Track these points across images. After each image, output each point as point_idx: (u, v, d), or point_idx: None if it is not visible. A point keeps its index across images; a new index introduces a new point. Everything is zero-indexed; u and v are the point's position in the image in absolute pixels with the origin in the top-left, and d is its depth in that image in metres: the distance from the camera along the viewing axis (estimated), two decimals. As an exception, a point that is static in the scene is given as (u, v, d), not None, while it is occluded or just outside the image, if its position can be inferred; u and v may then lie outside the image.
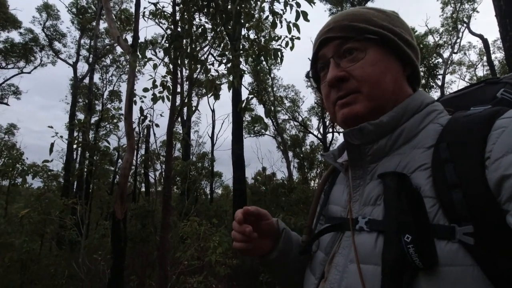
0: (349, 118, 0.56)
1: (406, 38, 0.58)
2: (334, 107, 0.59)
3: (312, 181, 15.82)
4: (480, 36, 13.19)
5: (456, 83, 18.37)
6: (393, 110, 0.53)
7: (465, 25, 15.10)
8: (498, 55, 16.12)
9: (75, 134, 11.28)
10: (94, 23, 15.44)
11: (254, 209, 0.65)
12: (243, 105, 2.88)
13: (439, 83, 15.13)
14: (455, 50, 16.51)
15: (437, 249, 0.41)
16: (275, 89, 17.84)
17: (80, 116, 16.52)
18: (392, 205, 0.46)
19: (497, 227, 0.38)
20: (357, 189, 0.56)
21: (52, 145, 3.37)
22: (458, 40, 16.17)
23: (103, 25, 16.06)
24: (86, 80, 15.60)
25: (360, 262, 0.48)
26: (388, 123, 0.53)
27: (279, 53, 3.30)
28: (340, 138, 18.88)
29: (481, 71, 17.95)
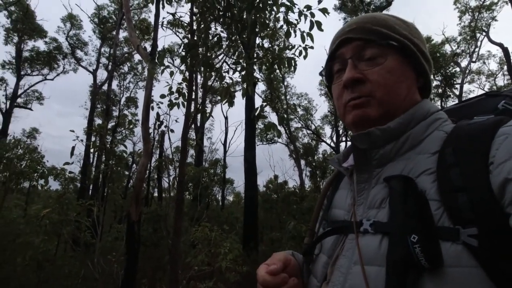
0: (359, 120, 0.57)
1: (423, 50, 0.60)
2: (345, 108, 0.60)
3: (324, 190, 15.56)
4: (500, 45, 12.84)
5: (475, 92, 17.86)
6: (400, 117, 0.55)
7: (484, 33, 14.76)
8: (519, 64, 15.59)
9: (93, 139, 11.63)
10: (114, 33, 16.03)
11: (279, 265, 0.59)
12: (257, 112, 2.92)
13: (457, 92, 14.78)
14: (474, 59, 16.12)
15: (442, 250, 0.41)
16: (288, 97, 17.89)
17: (98, 121, 17.04)
18: (398, 207, 0.47)
19: (500, 230, 0.39)
20: (362, 192, 0.57)
21: (73, 148, 3.51)
22: (477, 49, 15.80)
23: (122, 34, 16.66)
24: (105, 87, 16.14)
25: (364, 264, 0.48)
26: (395, 129, 0.54)
27: (292, 61, 3.34)
28: (353, 147, 18.55)
29: (501, 81, 17.40)
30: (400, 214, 0.47)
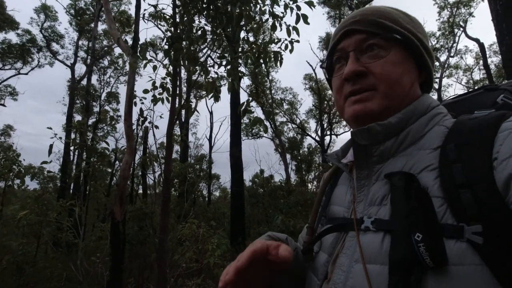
0: (360, 115, 0.56)
1: (426, 45, 0.59)
2: (345, 101, 0.59)
3: (310, 184, 15.83)
4: (477, 40, 13.33)
5: (453, 86, 18.58)
6: (401, 112, 0.54)
7: (461, 29, 15.27)
8: (494, 59, 16.30)
9: (72, 135, 11.24)
10: (92, 25, 15.42)
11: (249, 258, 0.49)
12: (243, 107, 2.89)
13: (436, 86, 15.26)
14: (452, 54, 16.68)
15: (446, 249, 0.41)
16: (273, 91, 17.90)
17: (78, 117, 16.45)
18: (400, 204, 0.46)
19: (505, 226, 0.38)
20: (362, 189, 0.56)
21: (51, 146, 3.36)
22: (455, 44, 16.34)
23: (101, 26, 16.07)
24: (84, 82, 15.56)
25: (365, 262, 0.47)
26: (396, 124, 0.53)
27: (278, 55, 3.31)
28: (338, 141, 18.93)
29: (477, 75, 18.12)
30: (402, 211, 0.46)
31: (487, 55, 13.39)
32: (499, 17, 4.82)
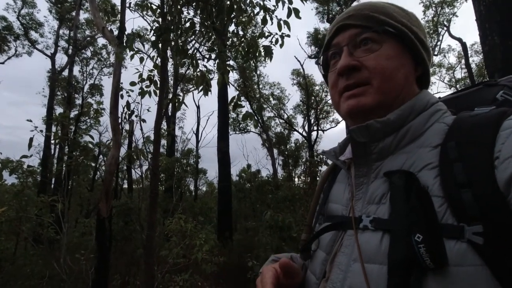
0: (355, 110, 0.55)
1: (422, 39, 0.59)
2: (340, 97, 0.58)
3: (297, 179, 15.96)
4: (459, 40, 13.70)
5: (436, 84, 19.02)
6: (400, 109, 0.53)
7: (445, 28, 15.65)
8: (475, 59, 16.82)
9: (54, 129, 10.83)
10: (73, 13, 14.79)
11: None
12: (234, 102, 2.85)
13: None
14: (436, 53, 17.08)
15: (446, 249, 0.40)
16: (260, 86, 17.84)
17: (59, 110, 15.86)
18: (400, 204, 0.46)
19: (506, 227, 0.38)
20: (360, 187, 0.55)
21: (31, 139, 3.21)
22: (439, 43, 16.75)
23: (83, 15, 15.44)
24: (65, 73, 14.96)
25: (364, 261, 0.47)
26: (395, 121, 0.52)
27: (269, 50, 3.27)
28: (324, 136, 19.15)
29: (459, 74, 18.67)
30: (402, 211, 0.45)
31: (469, 55, 13.79)
32: (483, 17, 4.94)
